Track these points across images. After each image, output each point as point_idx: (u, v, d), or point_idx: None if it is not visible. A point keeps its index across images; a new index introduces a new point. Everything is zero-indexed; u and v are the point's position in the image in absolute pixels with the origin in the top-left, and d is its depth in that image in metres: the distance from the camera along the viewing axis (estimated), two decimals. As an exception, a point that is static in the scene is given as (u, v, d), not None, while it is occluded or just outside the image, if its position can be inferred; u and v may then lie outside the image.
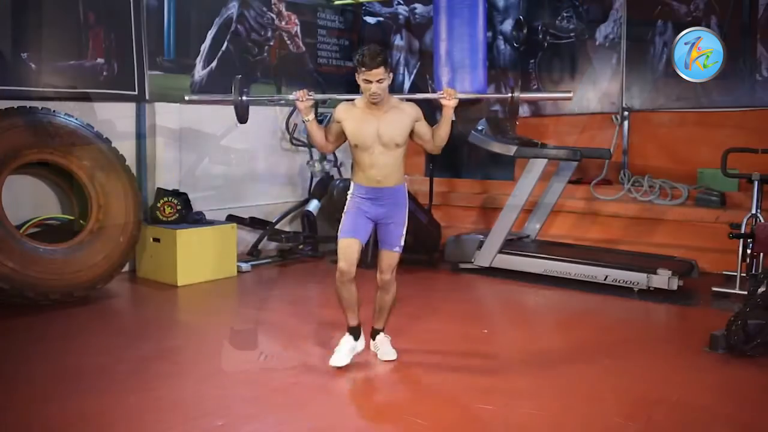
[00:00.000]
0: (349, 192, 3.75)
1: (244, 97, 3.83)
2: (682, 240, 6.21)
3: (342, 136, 3.70)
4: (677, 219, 6.26)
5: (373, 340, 3.90)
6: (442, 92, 3.63)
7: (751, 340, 3.88)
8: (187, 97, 4.01)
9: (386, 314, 3.87)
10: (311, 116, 3.66)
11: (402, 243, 3.75)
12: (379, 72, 3.41)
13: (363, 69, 3.42)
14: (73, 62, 5.52)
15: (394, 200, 3.69)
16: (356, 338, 3.78)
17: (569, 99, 3.89)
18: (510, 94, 3.76)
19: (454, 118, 3.61)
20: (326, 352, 3.92)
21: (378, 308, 3.85)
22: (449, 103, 3.58)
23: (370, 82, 3.43)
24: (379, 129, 3.55)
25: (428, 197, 7.08)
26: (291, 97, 3.65)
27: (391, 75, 3.52)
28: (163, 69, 6.15)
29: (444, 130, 3.62)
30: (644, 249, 6.21)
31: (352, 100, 3.69)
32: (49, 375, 3.58)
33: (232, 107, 3.89)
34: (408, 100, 3.73)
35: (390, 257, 3.74)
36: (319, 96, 3.76)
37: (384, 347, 3.86)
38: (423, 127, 3.65)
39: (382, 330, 3.90)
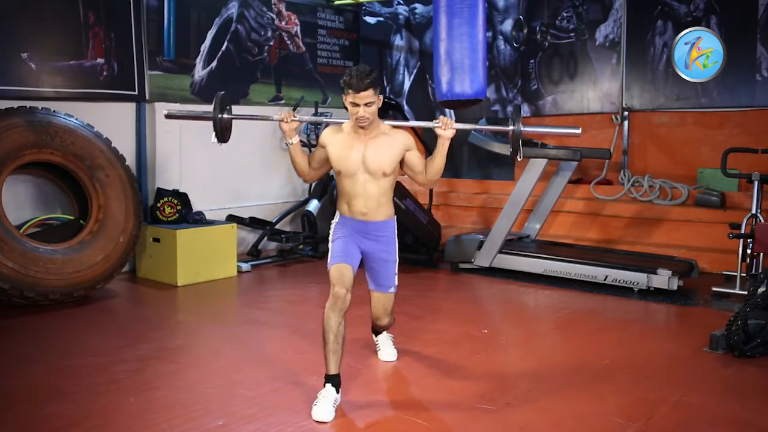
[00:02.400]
0: (333, 222, 3.49)
1: (225, 115, 3.59)
2: (682, 240, 6.21)
3: (326, 164, 3.43)
4: (677, 219, 6.26)
5: (376, 336, 3.87)
6: (437, 121, 3.32)
7: (751, 340, 3.88)
8: (165, 112, 3.84)
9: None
10: (295, 139, 3.39)
11: (396, 282, 3.52)
12: (368, 95, 3.16)
13: (350, 91, 3.17)
14: (73, 62, 5.52)
15: (383, 235, 3.43)
16: (338, 389, 3.17)
17: (577, 135, 3.50)
18: (511, 128, 3.34)
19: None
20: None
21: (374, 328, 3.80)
22: (445, 134, 3.29)
23: (358, 105, 3.18)
24: (365, 155, 3.29)
25: (428, 197, 7.08)
26: (275, 117, 3.45)
27: (381, 98, 3.27)
28: (163, 69, 6.15)
29: (439, 162, 3.33)
30: (644, 249, 6.22)
31: (340, 123, 3.44)
32: (49, 375, 3.58)
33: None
34: (401, 127, 3.46)
35: (384, 299, 3.51)
36: (305, 118, 3.60)
37: (387, 348, 3.83)
38: (414, 158, 3.37)
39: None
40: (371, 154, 3.29)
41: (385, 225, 3.42)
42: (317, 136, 7.05)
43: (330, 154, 3.36)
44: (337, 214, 3.48)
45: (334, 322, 3.15)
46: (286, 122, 3.37)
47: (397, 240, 3.51)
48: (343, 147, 3.32)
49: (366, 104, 3.17)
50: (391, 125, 3.41)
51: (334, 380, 3.15)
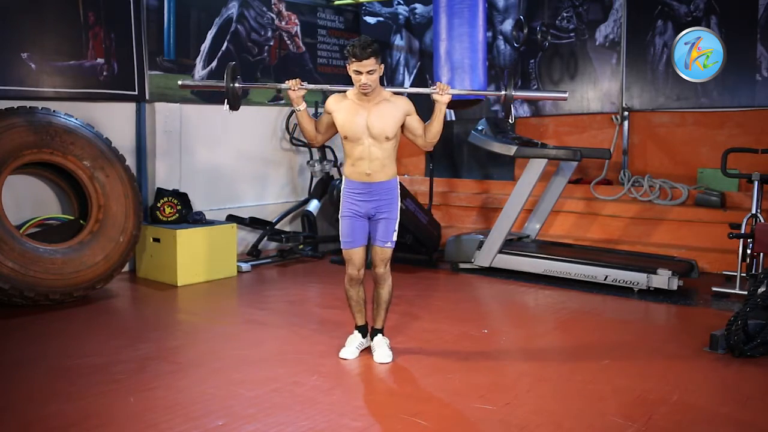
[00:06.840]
0: (342, 188, 3.77)
1: (237, 84, 3.79)
2: (682, 240, 6.21)
3: (332, 128, 3.72)
4: (677, 219, 6.26)
5: (372, 340, 3.91)
6: (434, 87, 3.60)
7: (751, 340, 3.88)
8: (180, 82, 4.02)
9: (384, 310, 3.85)
10: (302, 106, 3.67)
11: (394, 238, 3.74)
12: (370, 63, 3.42)
13: (353, 60, 3.42)
14: (73, 62, 5.52)
15: (386, 195, 3.69)
16: (363, 336, 3.90)
17: (564, 99, 3.93)
18: (503, 92, 3.72)
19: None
20: (326, 352, 3.94)
21: (376, 305, 3.86)
22: (441, 99, 3.57)
23: (361, 73, 3.43)
24: (369, 121, 3.55)
25: (428, 197, 7.08)
26: (283, 86, 3.68)
27: (382, 66, 3.52)
28: (163, 69, 6.15)
29: (436, 125, 3.62)
30: (644, 249, 6.22)
31: (344, 90, 3.68)
32: (49, 375, 3.58)
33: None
34: (400, 93, 3.72)
35: (382, 252, 3.75)
36: (312, 86, 3.78)
37: (381, 349, 3.84)
38: (414, 122, 3.64)
39: (381, 331, 3.89)
40: (375, 119, 3.55)
41: (387, 184, 3.67)
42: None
43: (336, 120, 3.63)
44: (344, 178, 3.74)
45: (353, 292, 3.80)
46: (294, 89, 3.63)
47: (399, 199, 3.75)
48: (348, 113, 3.59)
49: (368, 72, 3.43)
50: (392, 92, 3.65)
51: (362, 329, 3.88)
